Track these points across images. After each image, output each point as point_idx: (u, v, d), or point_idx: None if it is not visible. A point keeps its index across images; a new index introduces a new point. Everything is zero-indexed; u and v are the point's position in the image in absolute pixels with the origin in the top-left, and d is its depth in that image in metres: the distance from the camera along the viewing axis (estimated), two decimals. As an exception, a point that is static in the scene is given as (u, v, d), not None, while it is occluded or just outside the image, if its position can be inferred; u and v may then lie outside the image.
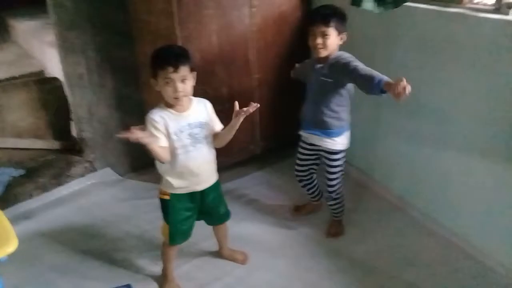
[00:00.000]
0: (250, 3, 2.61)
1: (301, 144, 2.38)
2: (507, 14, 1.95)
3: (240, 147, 2.93)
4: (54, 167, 2.98)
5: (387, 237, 2.44)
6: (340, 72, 2.06)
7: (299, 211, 2.65)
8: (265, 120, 2.96)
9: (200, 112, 1.92)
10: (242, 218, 2.61)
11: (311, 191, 2.54)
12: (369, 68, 1.96)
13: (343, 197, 2.43)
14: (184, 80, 1.79)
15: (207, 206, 2.06)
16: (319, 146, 2.28)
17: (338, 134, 2.22)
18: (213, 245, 2.35)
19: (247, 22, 2.65)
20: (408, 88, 1.71)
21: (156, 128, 1.82)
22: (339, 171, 2.32)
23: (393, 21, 2.40)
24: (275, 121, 3.01)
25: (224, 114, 2.73)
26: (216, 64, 2.63)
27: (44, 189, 2.86)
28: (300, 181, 2.49)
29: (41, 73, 4.52)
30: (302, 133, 2.34)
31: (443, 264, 2.25)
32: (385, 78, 1.85)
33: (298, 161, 2.43)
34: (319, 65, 2.15)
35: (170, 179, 1.93)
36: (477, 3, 2.13)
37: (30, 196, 2.81)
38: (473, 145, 2.16)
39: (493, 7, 2.01)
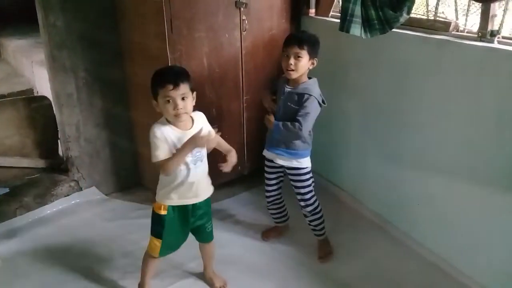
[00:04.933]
0: (240, 27, 2.65)
1: (268, 164, 2.43)
2: (491, 42, 2.00)
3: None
4: (39, 186, 2.95)
5: (370, 258, 2.44)
6: (300, 105, 2.18)
7: (268, 236, 2.62)
8: (252, 141, 2.97)
9: (201, 129, 1.92)
10: (228, 239, 2.59)
11: (280, 211, 2.55)
12: (297, 124, 2.14)
13: (321, 211, 2.43)
14: (184, 98, 1.82)
15: (197, 221, 2.07)
16: (285, 166, 2.35)
17: (303, 155, 2.30)
18: (199, 266, 2.32)
19: (237, 45, 2.69)
20: None
21: (161, 140, 1.85)
22: (309, 188, 2.37)
23: (379, 47, 2.45)
24: (262, 143, 3.01)
25: (213, 134, 2.76)
26: (206, 86, 2.65)
27: (28, 208, 2.82)
28: (271, 202, 2.51)
29: (29, 91, 4.51)
30: (268, 153, 2.39)
31: (426, 286, 2.25)
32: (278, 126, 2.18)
33: (267, 182, 2.47)
34: (288, 89, 2.24)
35: (169, 191, 1.96)
36: (462, 31, 2.18)
37: (14, 215, 2.76)
38: (456, 167, 2.19)
39: (478, 35, 2.06)
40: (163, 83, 1.81)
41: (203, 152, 1.97)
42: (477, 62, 2.01)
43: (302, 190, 2.36)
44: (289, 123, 2.17)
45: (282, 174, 2.45)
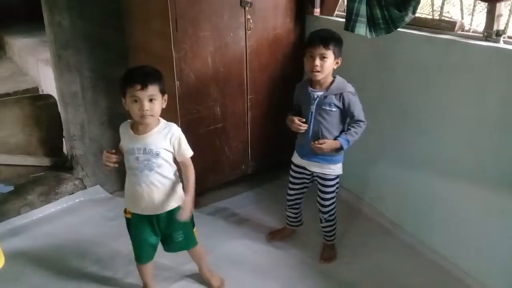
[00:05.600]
0: (245, 26, 2.65)
1: (296, 169, 2.36)
2: (497, 42, 1.99)
3: (231, 167, 2.93)
4: (44, 184, 2.96)
5: (377, 259, 2.43)
6: (346, 107, 2.13)
7: (274, 237, 2.59)
8: (256, 140, 2.96)
9: (160, 139, 1.86)
10: (231, 238, 2.59)
11: (297, 215, 2.51)
12: (357, 128, 2.14)
13: (336, 220, 2.41)
14: (152, 99, 1.77)
15: (164, 232, 2.01)
16: (317, 172, 2.28)
17: (338, 160, 2.25)
18: (194, 268, 2.29)
19: (242, 44, 2.69)
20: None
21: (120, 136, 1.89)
22: (334, 194, 2.32)
23: (384, 46, 2.44)
24: (266, 142, 3.02)
25: (217, 133, 2.77)
26: (211, 85, 2.65)
27: (33, 206, 2.83)
28: (291, 206, 2.46)
29: (35, 90, 4.53)
30: (298, 160, 2.32)
31: (430, 287, 2.24)
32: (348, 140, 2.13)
33: (292, 186, 2.41)
34: (318, 93, 2.15)
35: (126, 197, 1.95)
36: (468, 31, 2.17)
37: (18, 213, 2.77)
38: (462, 169, 2.18)
39: (484, 35, 2.05)
40: (131, 82, 1.77)
41: (153, 162, 1.84)
42: (483, 62, 2.00)
43: (327, 196, 2.31)
44: (354, 131, 2.13)
45: (309, 181, 2.38)
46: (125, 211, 2.00)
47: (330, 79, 2.16)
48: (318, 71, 2.07)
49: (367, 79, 2.62)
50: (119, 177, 3.09)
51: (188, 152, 1.93)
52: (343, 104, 2.13)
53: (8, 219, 2.72)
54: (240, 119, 2.86)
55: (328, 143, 2.13)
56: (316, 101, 2.15)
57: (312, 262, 2.42)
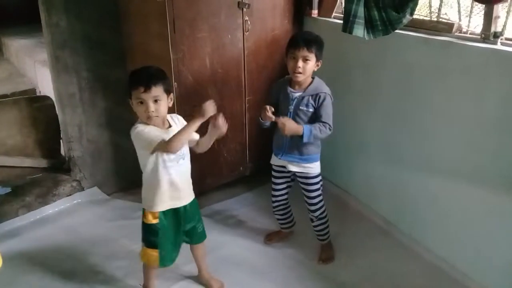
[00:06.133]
0: (243, 27, 2.65)
1: (276, 169, 2.39)
2: (494, 43, 2.00)
3: (229, 169, 2.93)
4: (41, 186, 2.95)
5: (374, 260, 2.43)
6: (317, 106, 2.16)
7: (271, 239, 2.59)
8: (254, 142, 2.97)
9: (179, 128, 1.92)
10: (230, 239, 2.59)
11: (286, 216, 2.51)
12: (319, 125, 2.13)
13: (328, 218, 2.42)
14: (156, 100, 1.80)
15: (188, 224, 2.05)
16: (297, 172, 2.31)
17: (315, 159, 2.28)
18: (194, 269, 2.30)
19: (240, 46, 2.69)
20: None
21: (149, 129, 1.84)
22: (319, 192, 2.35)
23: (382, 48, 2.44)
24: (264, 144, 3.01)
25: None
26: (208, 86, 2.65)
27: (30, 208, 2.82)
28: (278, 208, 2.47)
29: (32, 91, 4.52)
30: (276, 161, 2.34)
31: (428, 288, 2.24)
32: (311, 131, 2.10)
33: (275, 187, 2.43)
34: (297, 93, 2.19)
35: (157, 195, 1.93)
36: (465, 32, 2.18)
37: (16, 214, 2.76)
38: (459, 169, 2.18)
39: (481, 36, 2.05)
40: (135, 85, 1.79)
41: (185, 150, 1.95)
42: (480, 64, 2.00)
43: (312, 194, 2.34)
44: (319, 125, 2.14)
45: (290, 180, 2.42)
46: (148, 217, 1.96)
47: (309, 80, 2.20)
48: (300, 73, 2.12)
49: (364, 81, 2.63)
50: (116, 179, 3.09)
51: (195, 134, 2.00)
52: (317, 102, 2.16)
53: (5, 221, 2.71)
54: (238, 121, 2.86)
55: (291, 122, 2.12)
56: (294, 102, 2.19)
57: (310, 263, 2.42)
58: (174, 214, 1.99)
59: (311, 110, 2.18)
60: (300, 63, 2.10)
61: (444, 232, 2.33)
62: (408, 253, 2.47)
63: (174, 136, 1.80)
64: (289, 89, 2.22)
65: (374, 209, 2.76)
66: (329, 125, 2.16)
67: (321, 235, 2.45)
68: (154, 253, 2.00)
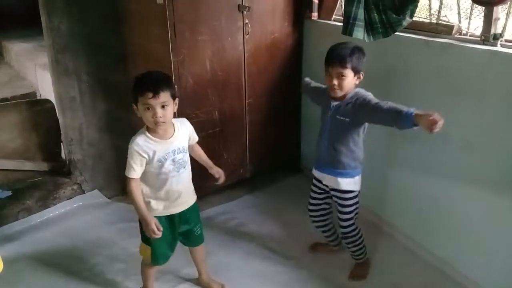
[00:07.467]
0: (243, 30, 2.66)
1: (314, 182, 2.26)
2: (494, 45, 2.00)
3: (230, 171, 2.92)
4: (42, 189, 2.95)
5: (375, 261, 2.41)
6: (360, 112, 1.98)
7: (315, 249, 2.51)
8: (254, 144, 2.97)
9: (184, 135, 1.93)
10: (230, 242, 2.59)
11: (326, 234, 2.38)
12: (390, 102, 1.89)
13: (362, 239, 2.28)
14: (164, 106, 1.78)
15: (184, 226, 2.05)
16: (332, 187, 2.17)
17: (353, 174, 2.13)
18: (194, 272, 2.30)
19: (240, 49, 2.69)
20: (441, 122, 1.68)
21: (140, 156, 1.83)
22: (352, 212, 2.19)
23: (382, 50, 2.44)
24: (264, 146, 3.03)
25: (215, 137, 2.77)
26: (209, 89, 2.65)
27: (31, 211, 2.82)
28: (314, 221, 2.34)
29: (32, 94, 4.53)
30: (315, 172, 2.24)
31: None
32: (412, 109, 1.78)
33: (310, 200, 2.30)
34: (335, 103, 2.05)
35: (151, 202, 1.93)
36: (465, 34, 2.18)
37: (16, 217, 2.76)
38: (461, 172, 2.18)
39: (481, 38, 2.06)
40: (142, 91, 1.76)
41: (186, 158, 1.94)
42: (480, 66, 2.00)
43: (343, 215, 2.18)
44: (389, 103, 1.87)
45: (325, 197, 2.26)
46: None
47: (351, 93, 2.03)
48: (337, 89, 1.98)
49: (365, 83, 2.61)
50: (117, 182, 3.09)
51: (196, 137, 2.05)
52: (356, 104, 1.98)
53: (6, 224, 2.71)
54: (239, 123, 2.86)
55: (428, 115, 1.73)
56: (331, 111, 2.06)
57: (311, 266, 2.41)
58: (170, 217, 1.99)
59: (347, 119, 2.01)
60: (335, 81, 1.96)
61: (445, 233, 2.32)
62: (409, 255, 2.46)
63: (133, 196, 1.85)
64: (330, 99, 2.07)
65: (373, 209, 2.75)
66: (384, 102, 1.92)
67: (354, 255, 2.32)
68: (147, 250, 2.01)
